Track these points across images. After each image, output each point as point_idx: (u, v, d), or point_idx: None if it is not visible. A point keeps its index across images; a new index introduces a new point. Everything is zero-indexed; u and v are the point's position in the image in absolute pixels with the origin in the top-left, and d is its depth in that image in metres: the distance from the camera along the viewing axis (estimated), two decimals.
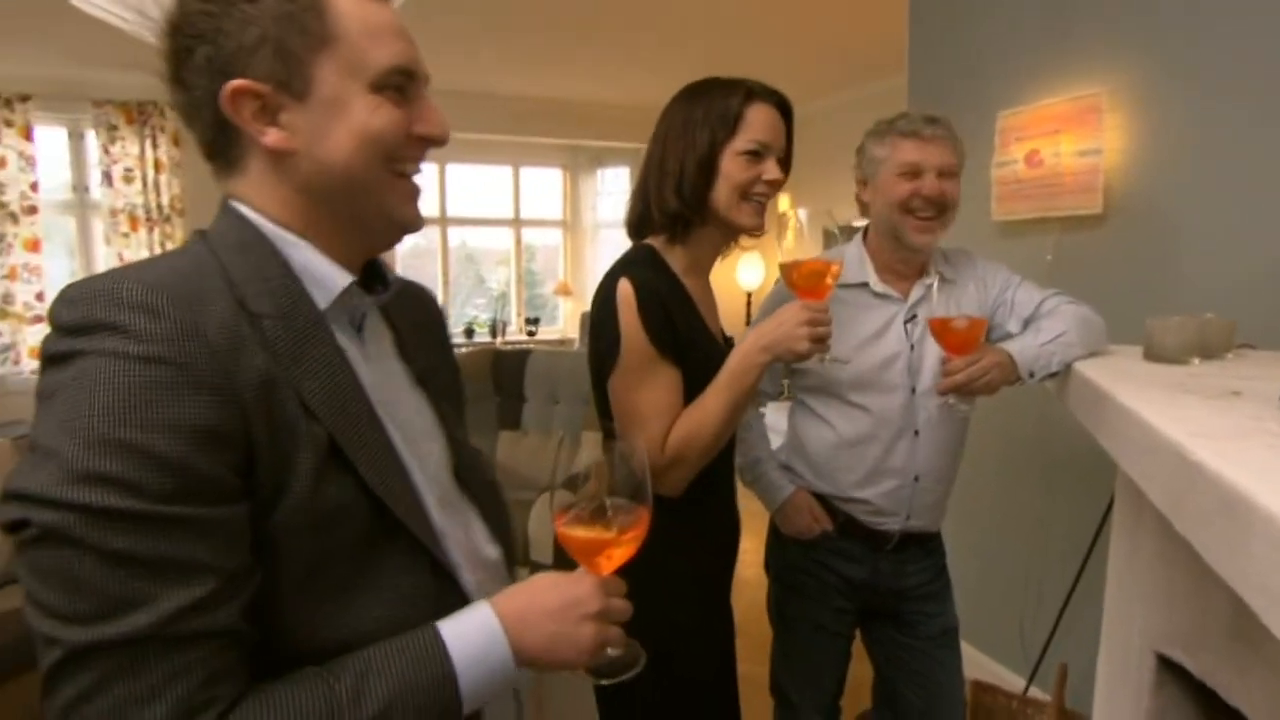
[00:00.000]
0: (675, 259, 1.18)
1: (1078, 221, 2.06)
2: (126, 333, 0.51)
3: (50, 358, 0.52)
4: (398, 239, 0.71)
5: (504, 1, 3.42)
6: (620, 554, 0.71)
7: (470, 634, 0.62)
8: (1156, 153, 1.86)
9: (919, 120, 1.35)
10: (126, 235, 4.43)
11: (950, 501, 1.51)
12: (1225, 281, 1.70)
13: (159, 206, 4.45)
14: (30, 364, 4.36)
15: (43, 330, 4.44)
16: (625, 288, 1.09)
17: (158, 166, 4.44)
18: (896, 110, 1.49)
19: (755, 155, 1.13)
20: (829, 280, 1.10)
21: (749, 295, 5.75)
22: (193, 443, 0.51)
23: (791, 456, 1.54)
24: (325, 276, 0.64)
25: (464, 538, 0.72)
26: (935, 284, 1.19)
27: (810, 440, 1.47)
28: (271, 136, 0.61)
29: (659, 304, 1.08)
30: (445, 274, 5.65)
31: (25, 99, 4.19)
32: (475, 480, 0.78)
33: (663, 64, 4.04)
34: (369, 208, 0.65)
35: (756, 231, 1.18)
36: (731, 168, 1.12)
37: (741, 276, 5.70)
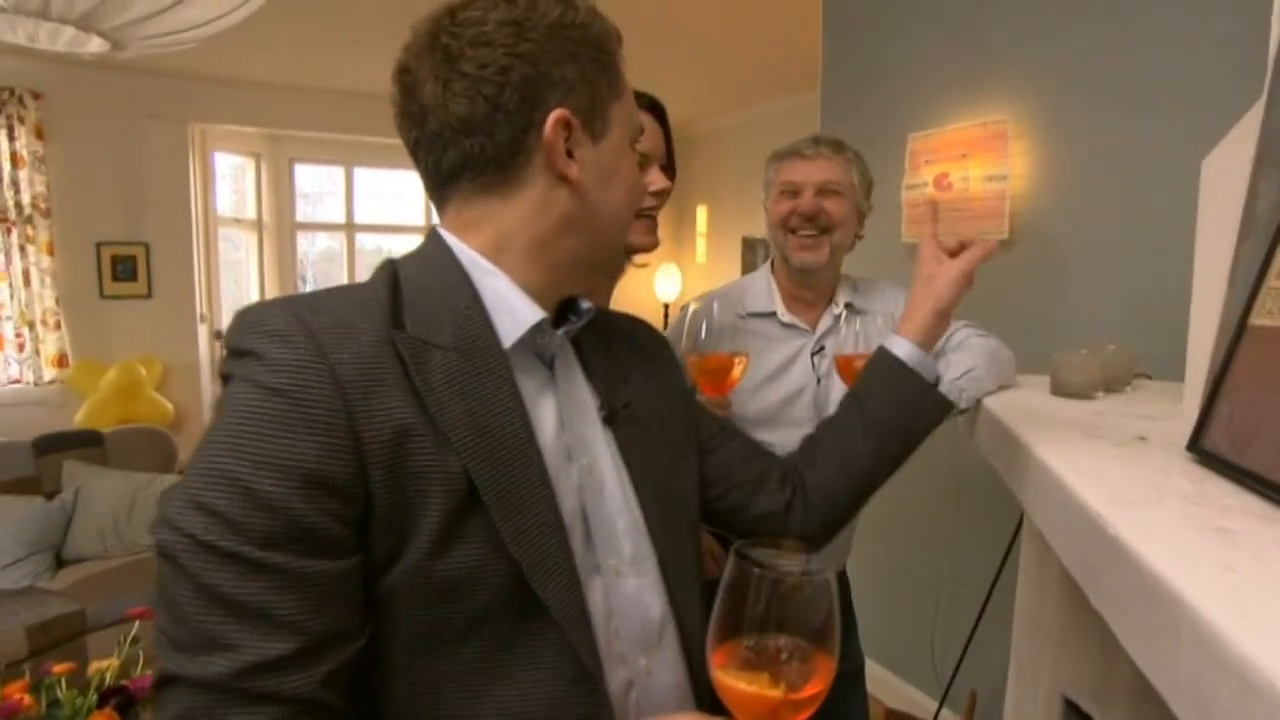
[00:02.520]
0: None
1: None
2: (261, 360, 0.51)
3: (222, 379, 0.54)
4: (617, 274, 0.82)
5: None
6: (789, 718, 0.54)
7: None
8: (1057, 179, 1.90)
9: (804, 141, 1.35)
10: None
11: (859, 522, 1.47)
12: (1122, 306, 1.74)
13: (18, 206, 4.01)
14: None
15: None
16: None
17: (16, 161, 3.99)
18: (812, 126, 1.46)
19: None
20: (734, 375, 1.03)
21: (666, 307, 5.72)
22: (297, 485, 0.48)
23: None
24: (516, 310, 0.62)
25: (634, 604, 0.64)
26: (844, 315, 1.13)
27: None
28: (572, 169, 0.63)
29: None
30: (351, 279, 5.37)
31: None
32: (662, 527, 0.68)
33: None
34: (614, 246, 0.71)
35: (650, 249, 1.11)
36: None
37: (659, 289, 5.66)
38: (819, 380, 1.34)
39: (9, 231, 4.00)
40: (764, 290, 1.39)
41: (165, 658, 0.48)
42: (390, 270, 0.62)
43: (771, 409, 1.32)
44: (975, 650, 2.01)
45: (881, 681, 2.43)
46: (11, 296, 4.03)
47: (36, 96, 4.01)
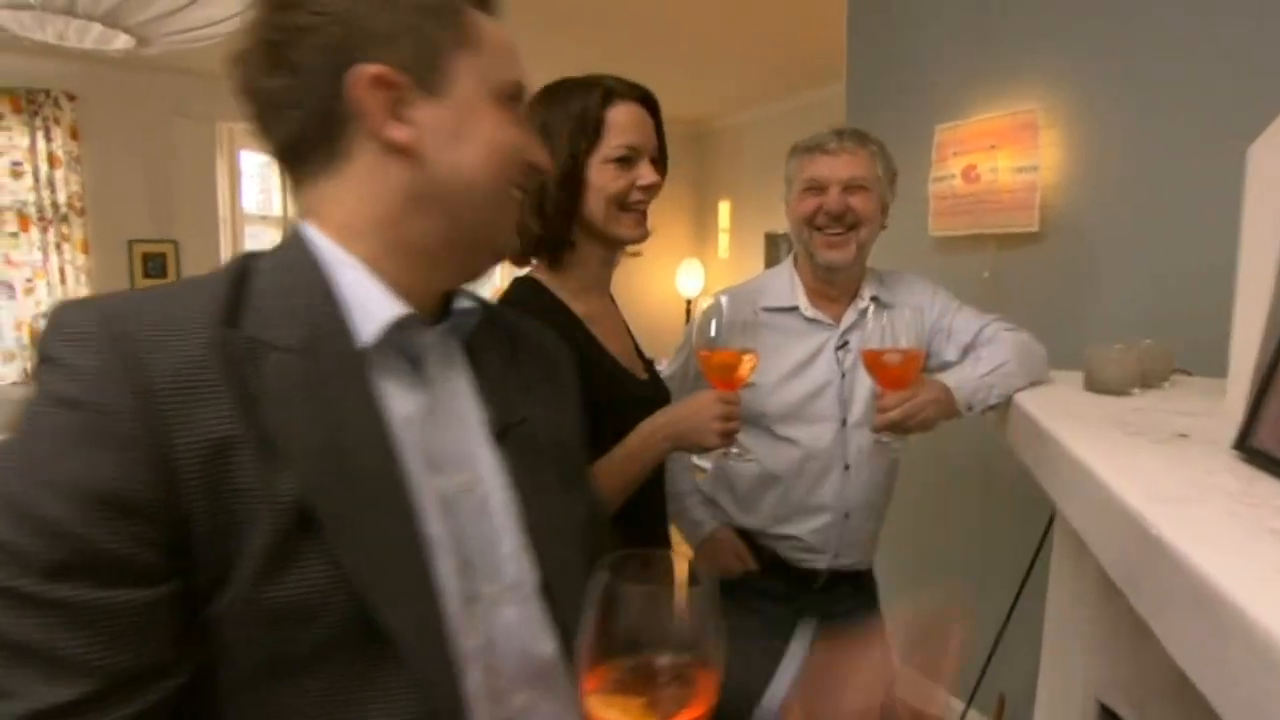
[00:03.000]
0: (561, 285, 1.07)
1: (1015, 239, 2.04)
2: (58, 367, 0.45)
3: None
4: (491, 265, 0.64)
5: None
6: None
7: None
8: (1091, 170, 1.85)
9: (827, 135, 1.30)
10: (15, 235, 4.06)
11: (884, 521, 1.44)
12: (1156, 301, 1.69)
13: (54, 205, 4.10)
14: None
15: None
16: None
17: (52, 161, 4.07)
18: (836, 119, 1.43)
19: (625, 161, 1.03)
20: (742, 372, 1.01)
21: (688, 303, 5.70)
22: (91, 508, 0.42)
23: (716, 488, 1.45)
24: (374, 306, 0.55)
25: (515, 635, 0.57)
26: (870, 309, 1.11)
27: (734, 473, 1.39)
28: (400, 131, 0.55)
29: None
30: None
31: None
32: (552, 550, 0.61)
33: (597, 66, 3.94)
34: (480, 224, 0.59)
35: (640, 241, 1.08)
36: (601, 178, 1.02)
37: (681, 284, 5.64)
38: (843, 375, 1.32)
39: (45, 230, 4.09)
40: (786, 285, 1.37)
41: None
42: (241, 263, 0.55)
43: (794, 405, 1.31)
44: (1003, 651, 1.97)
45: (904, 679, 2.39)
46: (49, 293, 4.12)
47: (71, 98, 4.09)
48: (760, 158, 5.18)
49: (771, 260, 5.03)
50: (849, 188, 1.27)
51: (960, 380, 1.17)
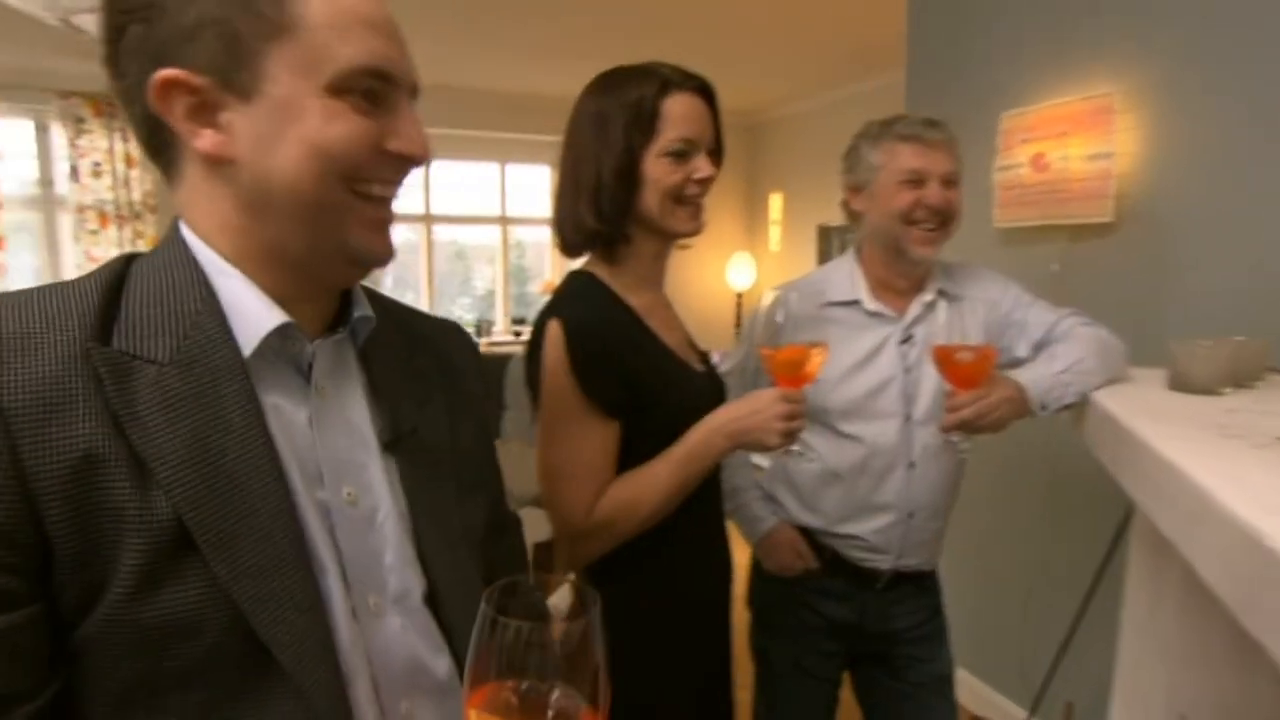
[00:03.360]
0: (616, 279, 1.05)
1: (1087, 230, 1.95)
2: None
3: None
4: (357, 274, 0.58)
5: None
6: None
7: None
8: (1172, 156, 1.75)
9: (919, 123, 1.23)
10: (95, 232, 4.27)
11: (949, 523, 1.40)
12: (1246, 295, 1.59)
13: (129, 203, 4.29)
14: None
15: None
16: (554, 331, 0.97)
17: (128, 161, 4.27)
18: (893, 109, 1.38)
19: (681, 155, 1.00)
20: (810, 369, 0.99)
21: (739, 296, 5.64)
22: None
23: (775, 485, 1.42)
24: (252, 315, 0.53)
25: (402, 646, 0.57)
26: (940, 303, 1.07)
27: (795, 470, 1.36)
28: (206, 140, 0.51)
29: (598, 348, 0.96)
30: (430, 272, 5.52)
31: None
32: (441, 559, 0.60)
33: (651, 58, 3.92)
34: (321, 233, 0.54)
35: (695, 234, 1.06)
36: (657, 172, 1.00)
37: (731, 278, 5.58)
38: (907, 370, 1.28)
39: (122, 227, 4.29)
40: (847, 278, 1.33)
41: None
42: (118, 267, 0.53)
43: (856, 401, 1.27)
44: (1070, 659, 1.90)
45: (964, 685, 2.33)
46: None
47: None
48: (813, 149, 5.09)
49: (824, 254, 4.93)
50: (947, 182, 1.23)
51: (1034, 378, 1.12)
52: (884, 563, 1.31)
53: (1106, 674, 1.15)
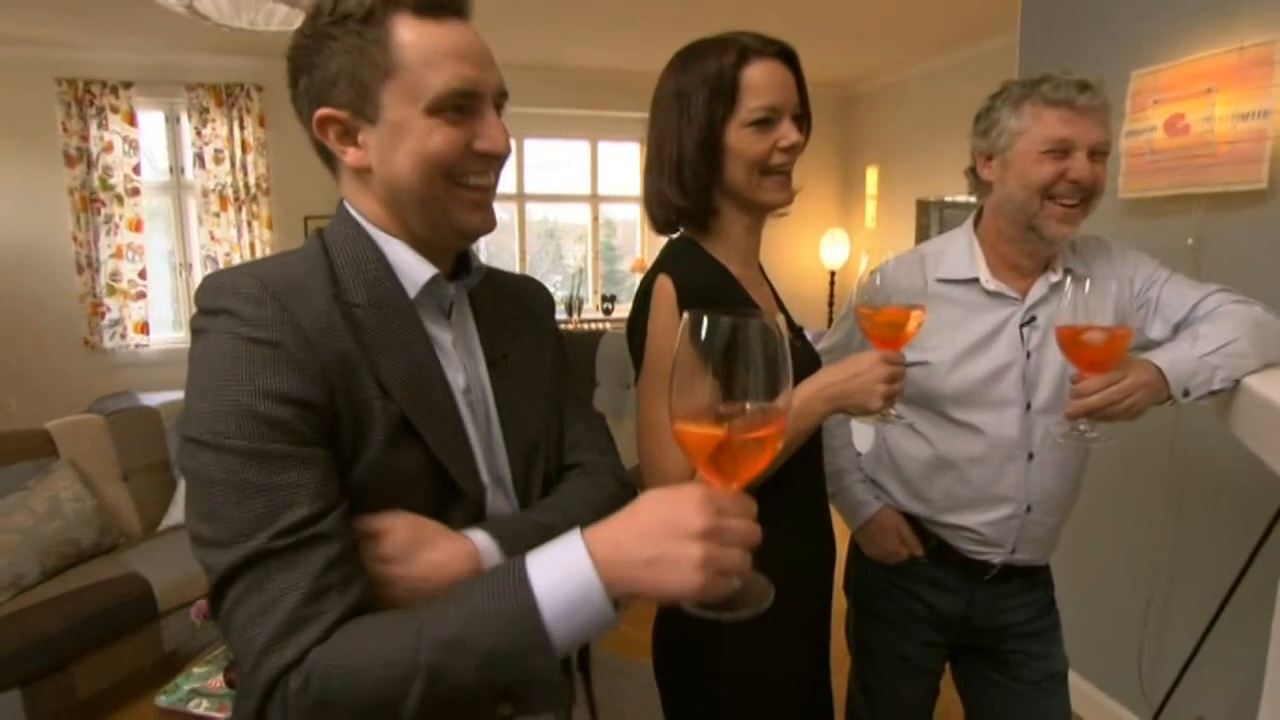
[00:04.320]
0: (715, 248, 1.03)
1: (1231, 199, 1.76)
2: (237, 317, 0.62)
3: (192, 330, 0.64)
4: (466, 242, 0.77)
5: None
6: (744, 460, 0.59)
7: (554, 562, 0.59)
8: None
9: (1071, 86, 1.09)
10: (217, 215, 4.59)
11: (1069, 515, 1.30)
12: None
13: (246, 186, 4.58)
14: (136, 338, 4.61)
15: (145, 306, 4.66)
16: (664, 285, 0.95)
17: (245, 147, 4.55)
18: (1000, 77, 1.26)
19: (765, 123, 0.96)
20: (909, 329, 0.94)
21: (832, 274, 5.48)
22: (284, 405, 0.60)
23: (878, 470, 1.36)
24: (413, 269, 0.72)
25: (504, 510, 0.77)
26: (1068, 283, 0.97)
27: (901, 456, 1.30)
28: (351, 156, 0.70)
29: (705, 304, 0.94)
30: (523, 250, 5.63)
31: (128, 86, 4.38)
32: (526, 463, 0.79)
33: (743, 28, 3.82)
34: (435, 216, 0.71)
35: (785, 205, 1.02)
36: (741, 143, 0.96)
37: (825, 255, 5.42)
38: (1029, 355, 1.18)
39: (240, 209, 4.59)
40: (964, 253, 1.23)
41: (214, 561, 0.58)
42: (320, 242, 0.72)
43: (972, 386, 1.19)
44: (1202, 668, 1.75)
45: (1075, 689, 2.20)
46: None
47: (259, 89, 4.54)
48: (912, 121, 4.85)
49: (922, 230, 4.71)
50: (1094, 153, 1.10)
51: (1175, 359, 1.01)
52: (996, 556, 1.24)
53: (1244, 688, 1.05)
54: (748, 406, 0.57)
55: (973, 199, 1.28)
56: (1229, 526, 1.73)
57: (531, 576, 0.58)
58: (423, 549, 0.65)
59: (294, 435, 0.60)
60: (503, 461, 0.77)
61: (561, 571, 0.58)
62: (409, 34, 0.67)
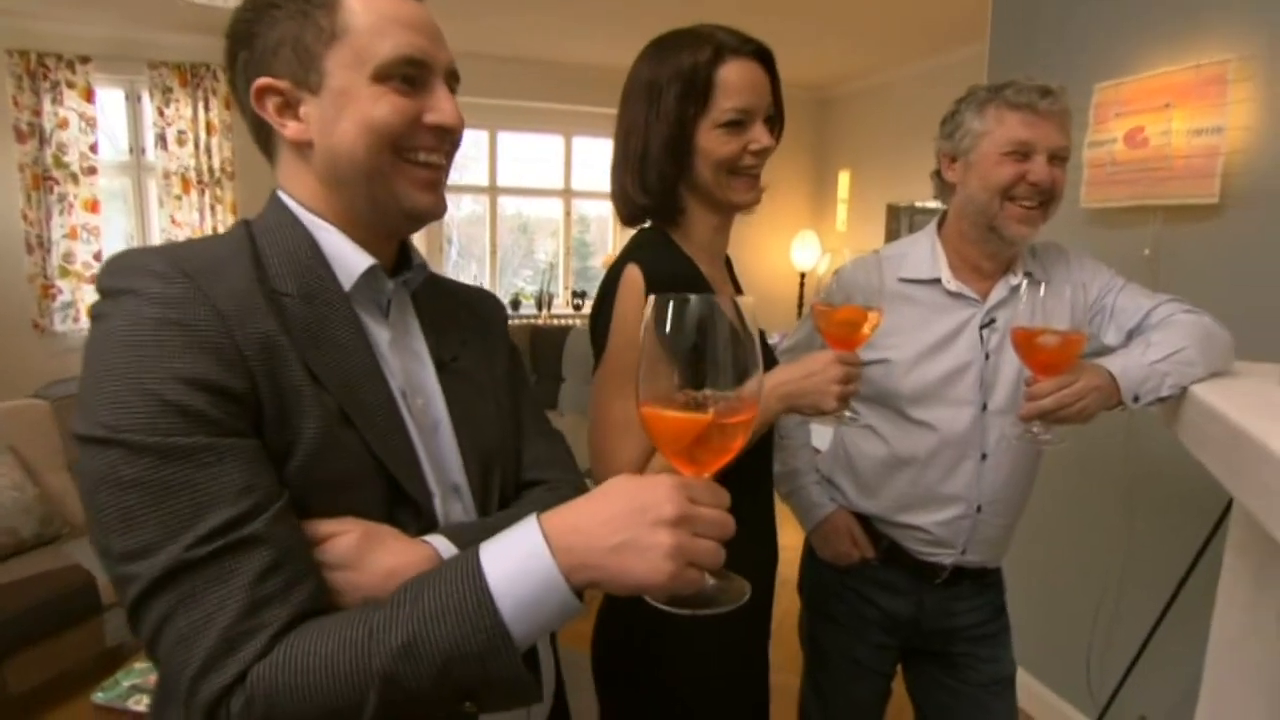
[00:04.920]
0: (683, 245, 1.02)
1: (1186, 211, 1.80)
2: (142, 296, 0.56)
3: (92, 317, 0.59)
4: (414, 225, 0.72)
5: None
6: (718, 446, 0.56)
7: (509, 551, 0.55)
8: None
9: (1033, 91, 1.12)
10: (179, 197, 4.45)
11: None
12: None
13: (210, 169, 4.46)
14: (89, 322, 4.47)
15: None
16: (632, 274, 0.94)
17: (209, 129, 4.43)
18: (974, 80, 1.28)
19: (737, 125, 0.95)
20: (865, 330, 0.94)
21: (802, 276, 5.51)
22: (198, 391, 0.54)
23: (834, 469, 1.37)
24: (348, 259, 0.68)
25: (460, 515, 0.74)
26: (1024, 285, 0.99)
27: (858, 454, 1.30)
28: (290, 129, 0.66)
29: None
30: (494, 243, 5.57)
31: (85, 60, 4.22)
32: (482, 467, 0.75)
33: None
34: (380, 194, 0.68)
35: (752, 205, 1.00)
36: (711, 144, 0.95)
37: (796, 256, 5.45)
38: (987, 356, 1.20)
39: (203, 193, 4.46)
40: (927, 254, 1.24)
41: (129, 575, 0.52)
42: (244, 229, 0.67)
43: (930, 386, 1.20)
44: (1146, 669, 1.79)
45: (1024, 687, 2.24)
46: None
47: (226, 71, 4.42)
48: (885, 126, 4.89)
49: (892, 234, 4.76)
50: (1054, 157, 1.13)
51: (1126, 366, 1.03)
52: (946, 557, 1.25)
53: (1187, 687, 1.08)
54: (720, 391, 0.54)
55: (942, 205, 1.30)
56: (1179, 530, 1.77)
57: (486, 569, 0.54)
58: (374, 553, 0.59)
59: (211, 425, 0.54)
60: (456, 469, 0.72)
61: (517, 561, 0.54)
62: (358, 1, 0.65)
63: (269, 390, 0.58)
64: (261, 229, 0.67)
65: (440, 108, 0.68)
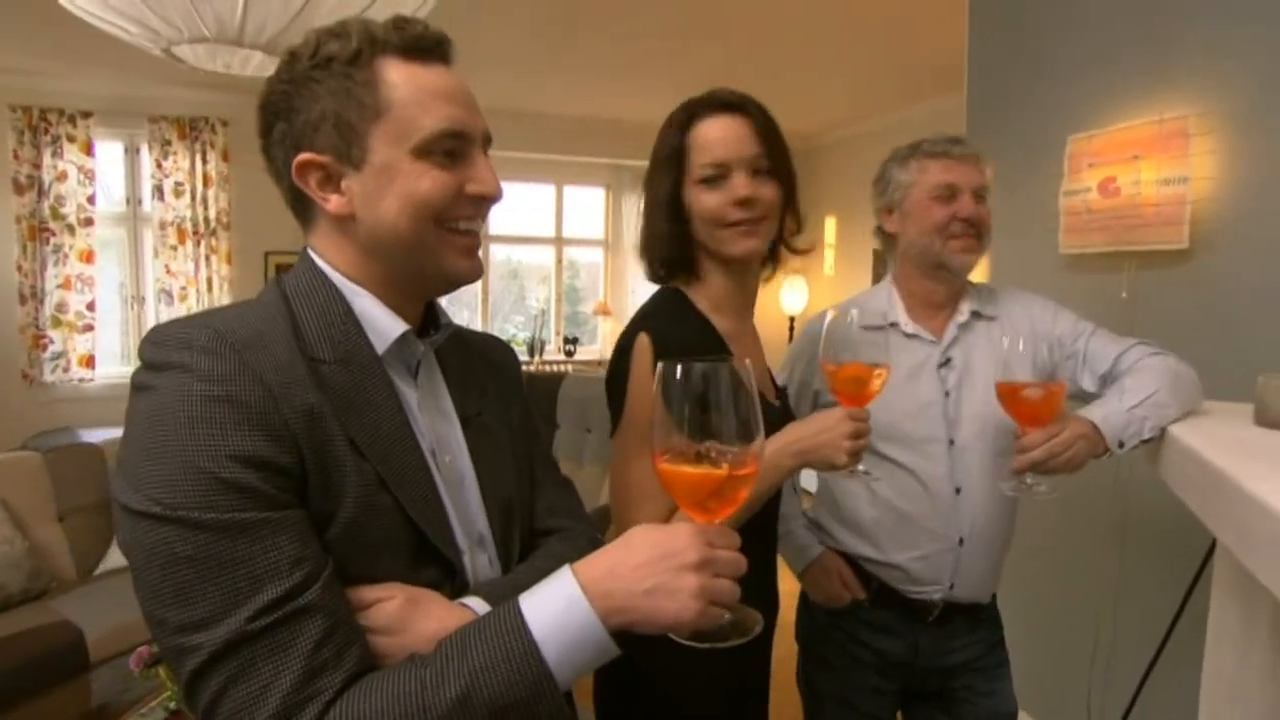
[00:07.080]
0: (700, 299, 1.06)
1: (1159, 256, 1.87)
2: (192, 372, 0.57)
3: (135, 387, 0.59)
4: (451, 289, 0.74)
5: (548, 19, 3.37)
6: (727, 494, 0.62)
7: (548, 601, 0.59)
8: (1252, 180, 1.67)
9: (945, 141, 1.27)
10: (174, 248, 4.50)
11: (1006, 560, 1.35)
12: None
13: (206, 220, 4.51)
14: (80, 372, 4.45)
15: (92, 339, 4.48)
16: (643, 343, 0.97)
17: (206, 180, 4.50)
18: (954, 129, 1.37)
19: (716, 179, 0.99)
20: (875, 385, 0.98)
21: (791, 320, 5.59)
22: (250, 468, 0.56)
23: (820, 512, 1.40)
24: (382, 324, 0.69)
25: (487, 571, 0.75)
26: (975, 324, 1.07)
27: (841, 495, 1.34)
28: (333, 203, 0.67)
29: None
30: (486, 290, 5.63)
31: (87, 115, 4.31)
32: (503, 520, 0.77)
33: (707, 83, 3.95)
34: (424, 263, 0.69)
35: (747, 255, 1.02)
36: (696, 202, 1.01)
37: (785, 301, 5.54)
38: (947, 394, 1.26)
39: (199, 243, 4.51)
40: (884, 301, 1.33)
41: (190, 646, 0.53)
42: (279, 291, 0.68)
43: (896, 424, 1.25)
44: (1143, 707, 1.79)
45: None
46: (198, 301, 4.53)
47: (224, 124, 4.52)
48: (869, 173, 4.97)
49: (878, 278, 4.85)
50: (977, 194, 1.25)
51: (1107, 414, 1.08)
52: (935, 593, 1.27)
53: None
54: (725, 446, 0.61)
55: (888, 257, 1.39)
56: (1170, 566, 1.79)
57: (528, 620, 0.57)
58: (418, 618, 0.61)
59: (263, 500, 0.56)
60: (481, 519, 0.74)
61: (557, 612, 0.58)
62: (397, 75, 0.66)
63: (314, 462, 0.60)
64: (295, 291, 0.68)
65: (481, 177, 0.69)
